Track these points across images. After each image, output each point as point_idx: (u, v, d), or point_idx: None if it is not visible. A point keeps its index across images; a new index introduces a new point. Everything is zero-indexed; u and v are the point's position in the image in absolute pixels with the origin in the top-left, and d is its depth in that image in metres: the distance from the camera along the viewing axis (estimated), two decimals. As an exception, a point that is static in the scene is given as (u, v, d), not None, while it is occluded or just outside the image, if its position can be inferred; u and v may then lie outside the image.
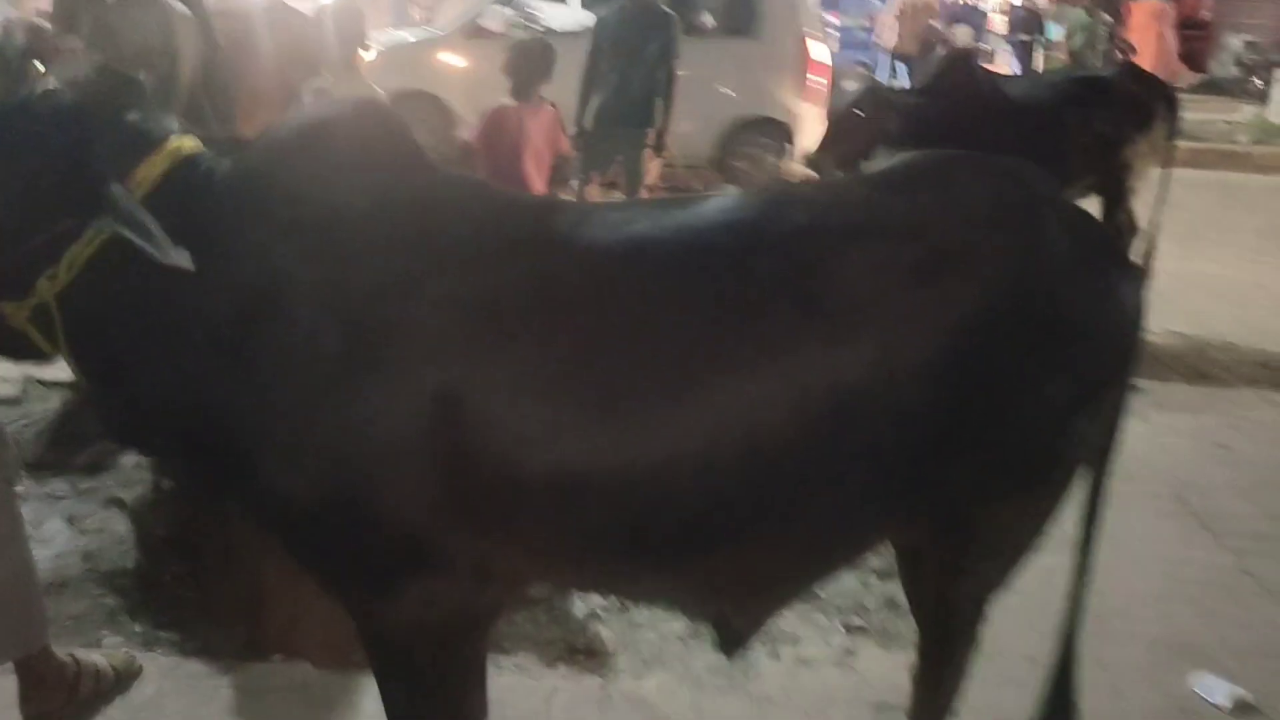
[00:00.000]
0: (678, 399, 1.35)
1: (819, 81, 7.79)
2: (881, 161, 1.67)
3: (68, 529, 2.94)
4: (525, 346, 1.35)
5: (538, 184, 3.86)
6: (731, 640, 1.70)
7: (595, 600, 2.73)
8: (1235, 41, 16.55)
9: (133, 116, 1.46)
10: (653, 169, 5.40)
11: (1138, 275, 1.66)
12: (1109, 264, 1.56)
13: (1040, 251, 1.47)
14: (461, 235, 1.42)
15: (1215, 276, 6.54)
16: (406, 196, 1.44)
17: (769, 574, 1.55)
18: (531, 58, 3.97)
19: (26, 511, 2.97)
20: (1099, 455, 1.72)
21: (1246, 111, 13.29)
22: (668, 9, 5.54)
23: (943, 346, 1.40)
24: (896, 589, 2.82)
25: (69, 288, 1.40)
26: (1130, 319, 1.57)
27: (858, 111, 4.58)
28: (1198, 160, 10.51)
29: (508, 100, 3.95)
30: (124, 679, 2.28)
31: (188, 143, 1.48)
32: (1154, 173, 5.11)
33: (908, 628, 2.58)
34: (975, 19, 13.42)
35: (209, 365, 1.40)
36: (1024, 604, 2.75)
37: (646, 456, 1.35)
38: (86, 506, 3.08)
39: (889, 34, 12.12)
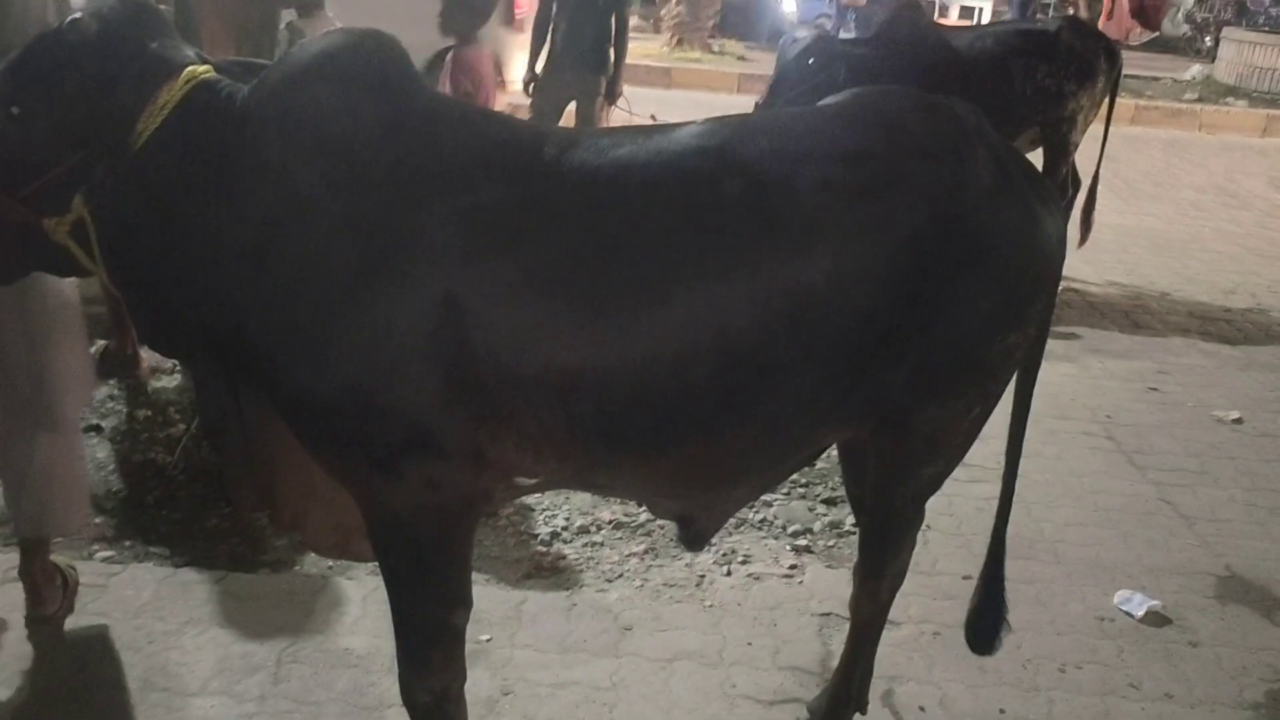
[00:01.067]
0: (655, 303, 1.51)
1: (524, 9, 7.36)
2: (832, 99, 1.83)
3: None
4: (523, 257, 1.49)
5: None
6: (694, 539, 1.88)
7: (558, 522, 2.90)
8: (1187, -1, 16.74)
9: (154, 44, 1.56)
10: (606, 116, 5.37)
11: (1059, 206, 1.82)
12: (1032, 194, 1.73)
13: (969, 178, 1.63)
14: (464, 154, 1.54)
15: (1154, 231, 6.80)
16: (413, 120, 1.55)
17: (734, 466, 1.72)
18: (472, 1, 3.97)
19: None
20: (1025, 371, 1.91)
21: (1195, 69, 13.54)
22: None
23: (882, 259, 1.58)
24: (842, 514, 3.03)
25: (102, 203, 1.51)
26: (1051, 243, 1.75)
27: (809, 61, 4.66)
28: (1144, 118, 10.78)
29: (448, 42, 3.93)
30: (74, 583, 2.42)
31: (204, 69, 1.59)
32: (1096, 127, 5.29)
33: (851, 549, 2.79)
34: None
35: (233, 273, 1.52)
36: (961, 528, 3.00)
37: (627, 354, 1.51)
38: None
39: None
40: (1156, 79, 12.81)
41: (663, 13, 13.01)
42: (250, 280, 1.51)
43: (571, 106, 5.35)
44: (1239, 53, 12.96)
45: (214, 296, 1.54)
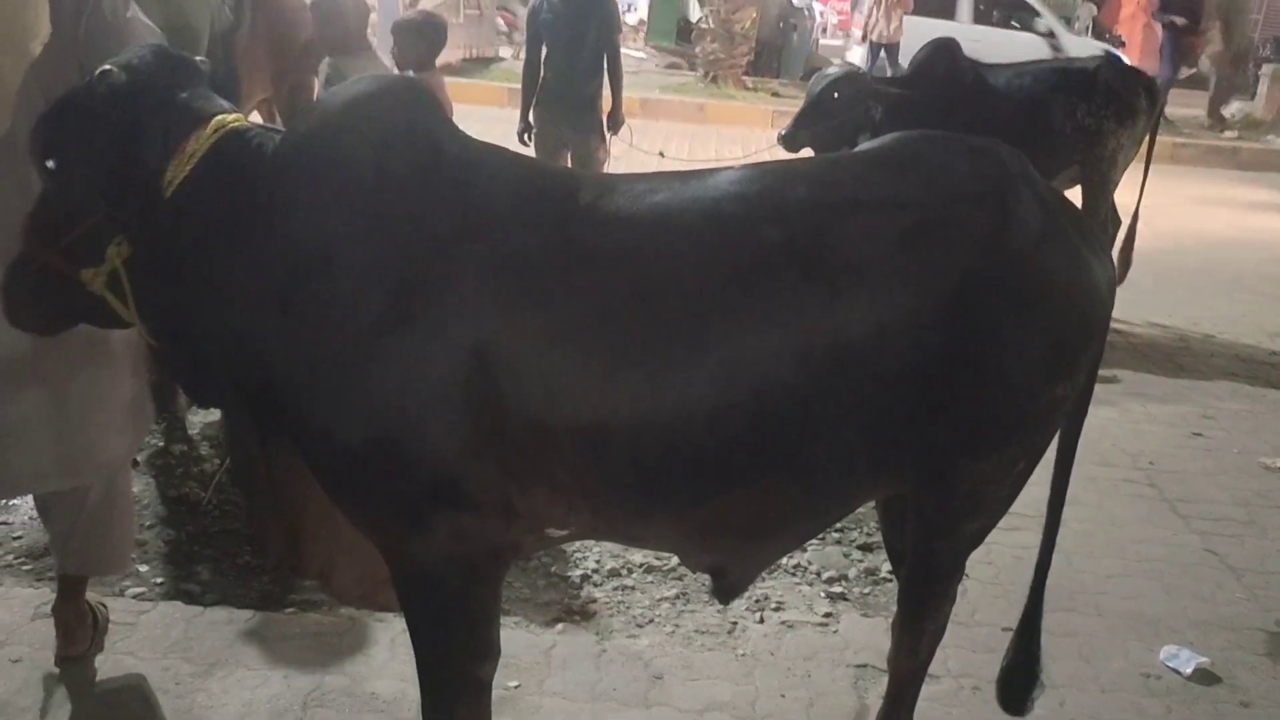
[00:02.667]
0: (692, 354, 1.48)
1: None
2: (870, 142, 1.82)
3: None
4: (556, 306, 1.47)
5: None
6: (727, 590, 1.83)
7: (589, 565, 2.86)
8: (1226, 35, 16.55)
9: (183, 95, 1.57)
10: (603, 154, 5.20)
11: (1107, 251, 1.78)
12: (1079, 238, 1.68)
13: (1014, 224, 1.59)
14: (496, 201, 1.53)
15: (1196, 271, 6.69)
16: (444, 166, 1.54)
17: (770, 520, 1.67)
18: (425, 32, 3.93)
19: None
20: (1070, 420, 1.86)
21: (1234, 106, 13.38)
22: None
23: (925, 308, 1.54)
24: (878, 561, 2.97)
25: (134, 254, 1.53)
26: (1099, 290, 1.70)
27: (835, 95, 4.64)
28: (1183, 155, 10.66)
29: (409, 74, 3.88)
30: (105, 621, 2.40)
31: (233, 118, 1.59)
32: (1137, 165, 5.22)
33: (888, 597, 2.73)
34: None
35: (261, 321, 1.51)
36: (1000, 578, 2.93)
37: (661, 405, 1.48)
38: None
39: (872, 24, 12.25)
40: (1195, 116, 12.69)
41: (697, 50, 13.12)
42: (278, 329, 1.50)
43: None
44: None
45: (242, 346, 1.54)
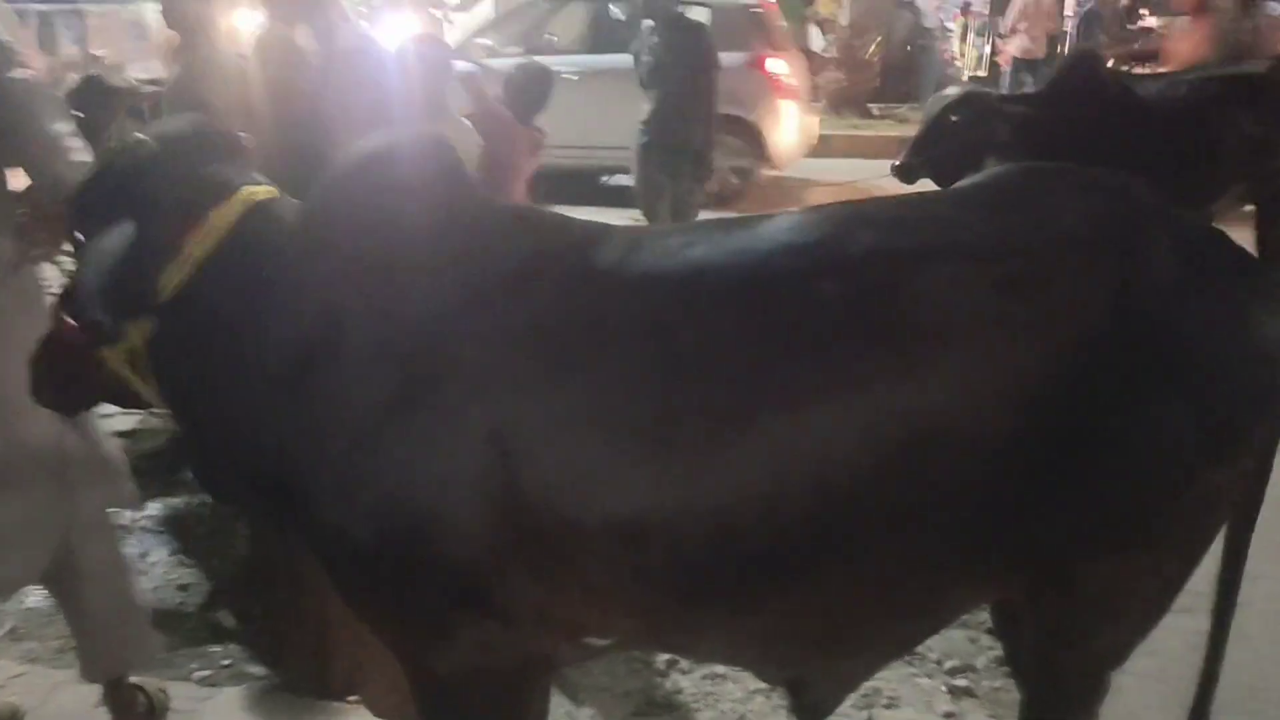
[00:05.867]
0: (740, 434, 1.28)
1: None
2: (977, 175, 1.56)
3: (168, 560, 3.05)
4: (579, 382, 1.32)
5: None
6: (810, 710, 1.58)
7: (677, 649, 2.60)
8: None
9: (209, 168, 1.50)
10: (700, 199, 5.04)
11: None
12: (1237, 288, 1.37)
13: (1143, 274, 1.33)
14: (513, 266, 1.39)
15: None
16: (458, 232, 1.43)
17: (843, 630, 1.43)
18: (529, 83, 3.92)
19: (133, 542, 3.09)
20: (1241, 507, 1.53)
21: None
22: (696, 19, 5.16)
23: (1026, 378, 1.29)
24: (1011, 648, 2.58)
25: (154, 332, 1.47)
26: (1271, 350, 1.37)
27: (953, 118, 4.29)
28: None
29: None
30: (163, 709, 2.32)
31: (261, 190, 1.51)
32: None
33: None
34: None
35: (272, 407, 1.40)
36: (1166, 673, 2.47)
37: (707, 496, 1.29)
38: (184, 541, 3.17)
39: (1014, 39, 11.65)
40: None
41: (818, 80, 12.82)
42: (288, 415, 1.39)
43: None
44: None
45: (256, 434, 1.42)
